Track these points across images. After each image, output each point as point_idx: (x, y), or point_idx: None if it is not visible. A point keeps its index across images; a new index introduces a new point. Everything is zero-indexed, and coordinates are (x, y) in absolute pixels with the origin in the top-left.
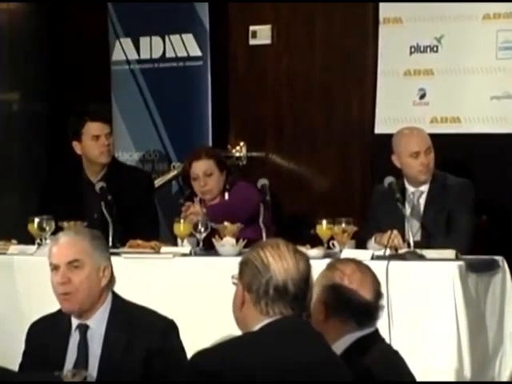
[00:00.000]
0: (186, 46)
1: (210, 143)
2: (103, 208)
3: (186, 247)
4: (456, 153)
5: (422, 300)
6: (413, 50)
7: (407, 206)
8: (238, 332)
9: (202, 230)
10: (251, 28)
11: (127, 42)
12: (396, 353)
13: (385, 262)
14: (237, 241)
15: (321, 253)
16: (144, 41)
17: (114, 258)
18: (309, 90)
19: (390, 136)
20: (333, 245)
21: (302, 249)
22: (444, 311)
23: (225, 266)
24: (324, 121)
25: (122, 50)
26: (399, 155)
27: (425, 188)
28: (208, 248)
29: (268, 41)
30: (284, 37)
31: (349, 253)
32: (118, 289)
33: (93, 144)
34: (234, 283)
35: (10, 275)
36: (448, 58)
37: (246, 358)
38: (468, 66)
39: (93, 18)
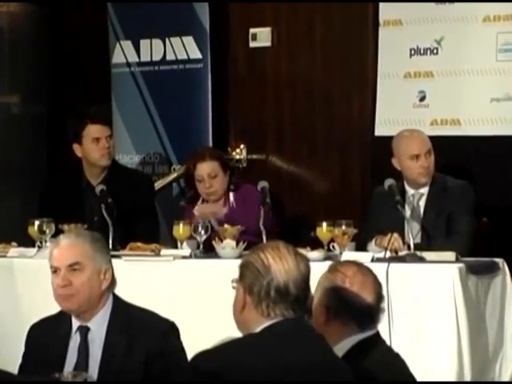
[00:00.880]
0: (186, 48)
1: (211, 145)
2: (103, 211)
3: (186, 250)
4: (456, 155)
5: (422, 302)
6: (413, 52)
7: (407, 208)
8: (238, 334)
9: (202, 232)
10: (251, 30)
11: (128, 45)
12: (397, 355)
13: (385, 265)
14: (237, 243)
15: (321, 255)
16: (144, 43)
17: (114, 261)
18: (309, 92)
19: (390, 138)
20: (333, 247)
21: (303, 251)
22: (444, 313)
23: (225, 269)
24: (324, 123)
25: (123, 52)
26: (399, 158)
27: (425, 190)
28: (208, 250)
29: (268, 43)
30: (284, 39)
31: (349, 255)
32: (119, 291)
33: (93, 146)
34: (233, 287)
35: (10, 278)
36: (448, 60)
37: (247, 359)
38: (468, 68)
39: (93, 20)
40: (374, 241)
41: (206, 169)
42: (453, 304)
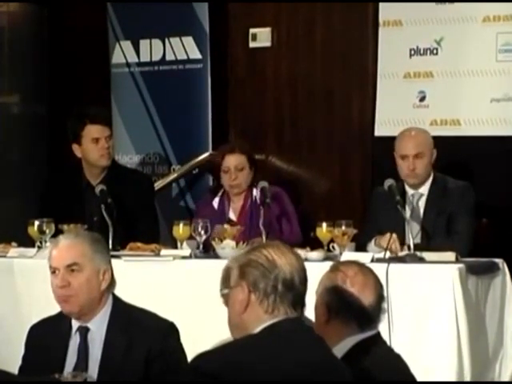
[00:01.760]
0: (185, 48)
1: (210, 146)
2: (103, 211)
3: (186, 250)
4: (456, 155)
5: (422, 302)
6: (413, 52)
7: (407, 208)
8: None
9: (202, 232)
10: (251, 30)
11: (127, 45)
12: (398, 356)
13: (385, 265)
14: (237, 243)
15: (321, 255)
16: (144, 43)
17: (114, 261)
18: (309, 92)
19: (390, 138)
20: (333, 247)
21: (302, 251)
22: (444, 314)
23: None
24: (324, 123)
25: (122, 52)
26: (395, 154)
27: (424, 190)
28: (208, 250)
29: (268, 43)
30: (284, 39)
31: (349, 255)
32: (118, 291)
33: (93, 147)
34: (222, 295)
35: (10, 278)
36: (448, 60)
37: (247, 360)
38: (468, 68)
39: (93, 20)
40: (373, 241)
41: (233, 161)
42: (453, 304)
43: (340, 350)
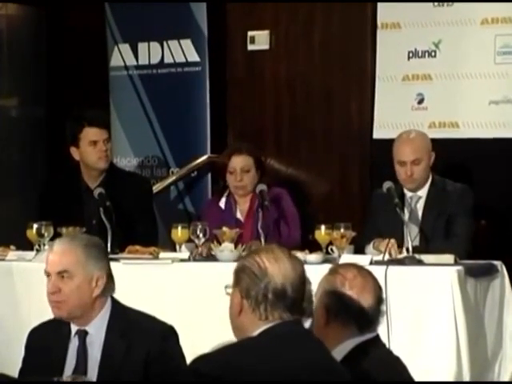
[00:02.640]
0: (184, 51)
1: (209, 148)
2: (102, 214)
3: (184, 253)
4: (454, 158)
5: (420, 305)
6: (411, 55)
7: (406, 210)
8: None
9: (201, 235)
10: (249, 33)
11: (125, 48)
12: (397, 359)
13: (383, 267)
14: (235, 246)
15: (319, 258)
16: (142, 46)
17: (112, 264)
18: (307, 94)
19: (388, 141)
20: (331, 250)
21: (301, 254)
22: (443, 316)
23: (223, 272)
24: (323, 126)
25: (121, 55)
26: (393, 159)
27: (423, 193)
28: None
29: (266, 46)
30: (282, 42)
31: (347, 258)
32: (117, 294)
33: (90, 149)
34: (227, 293)
35: (9, 281)
36: (446, 62)
37: (246, 362)
38: (466, 70)
39: (91, 23)
40: (371, 244)
41: (239, 162)
42: (451, 306)
43: (339, 352)
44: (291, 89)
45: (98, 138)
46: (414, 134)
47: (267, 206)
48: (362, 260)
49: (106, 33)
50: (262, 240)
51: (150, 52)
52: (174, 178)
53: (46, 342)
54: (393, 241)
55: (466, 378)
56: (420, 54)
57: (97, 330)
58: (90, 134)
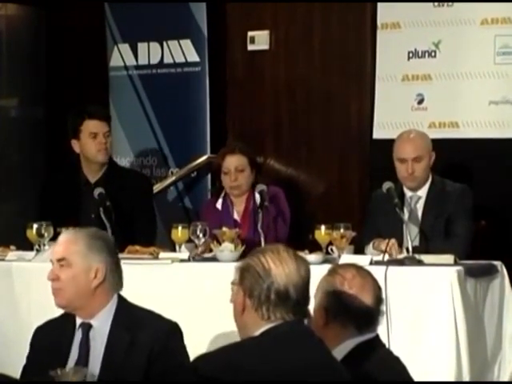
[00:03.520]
0: (183, 51)
1: (208, 148)
2: (102, 214)
3: (184, 253)
4: (454, 158)
5: (420, 305)
6: (411, 55)
7: (406, 211)
8: (237, 337)
9: (201, 235)
10: (249, 33)
11: (125, 48)
12: (397, 359)
13: (383, 267)
14: (235, 246)
15: (319, 258)
16: (142, 46)
17: None
18: (307, 94)
19: (388, 141)
20: (331, 250)
21: (301, 254)
22: (443, 316)
23: (223, 272)
24: (322, 126)
25: (120, 55)
26: (394, 157)
27: (422, 193)
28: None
29: (266, 46)
30: (282, 42)
31: (347, 258)
32: None
33: (90, 142)
34: (232, 289)
35: (9, 281)
36: (446, 63)
37: (247, 362)
38: (466, 71)
39: (91, 23)
40: (371, 244)
41: (233, 162)
42: (451, 307)
43: (339, 352)
44: (291, 89)
45: (98, 131)
46: (415, 133)
47: (267, 206)
48: (362, 260)
49: (106, 33)
50: (262, 240)
51: (150, 52)
52: (173, 178)
53: (52, 338)
54: (393, 241)
55: (466, 379)
56: (420, 54)
57: (101, 323)
58: (91, 125)
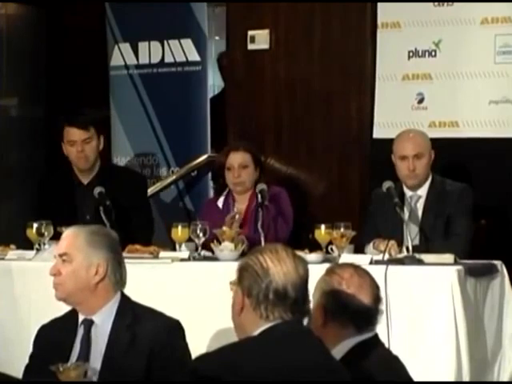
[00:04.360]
0: (184, 51)
1: (209, 148)
2: (102, 213)
3: (184, 252)
4: (454, 157)
5: (420, 304)
6: (411, 54)
7: (406, 210)
8: (236, 337)
9: (201, 234)
10: (249, 33)
11: (126, 47)
12: (396, 358)
13: (383, 267)
14: (235, 246)
15: (319, 257)
16: (142, 46)
17: None
18: (307, 94)
19: (388, 140)
20: (331, 249)
21: (301, 253)
22: (443, 315)
23: (223, 271)
24: (322, 125)
25: (121, 54)
26: (394, 156)
27: (422, 192)
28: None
29: (266, 45)
30: (282, 42)
31: (347, 257)
32: None
33: (70, 149)
34: (231, 289)
35: (9, 280)
36: (446, 62)
37: (246, 362)
38: (466, 70)
39: (91, 23)
40: (371, 244)
41: (237, 158)
42: (451, 306)
43: (338, 352)
44: (291, 88)
45: (76, 139)
46: (415, 131)
47: (267, 205)
48: (362, 259)
49: (107, 32)
50: (262, 239)
51: (151, 51)
52: (174, 177)
53: (55, 336)
54: (393, 241)
55: (466, 378)
56: (420, 54)
57: (103, 320)
58: (69, 133)
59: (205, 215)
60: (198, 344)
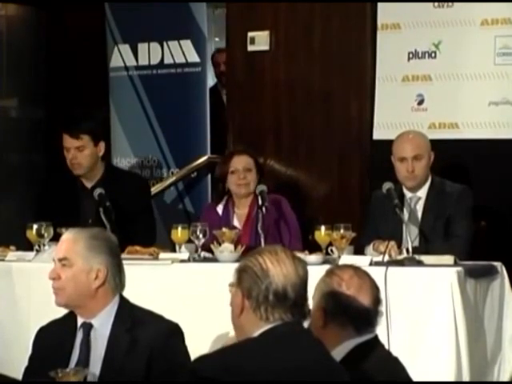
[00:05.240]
0: (184, 52)
1: (209, 149)
2: (102, 214)
3: (184, 253)
4: (454, 158)
5: (420, 306)
6: (411, 55)
7: (405, 211)
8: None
9: (201, 236)
10: (249, 34)
11: (125, 49)
12: (396, 359)
13: (383, 268)
14: (235, 247)
15: (319, 259)
16: (142, 47)
17: None
18: (307, 95)
19: (388, 142)
20: (331, 251)
21: (301, 255)
22: (443, 317)
23: (223, 272)
24: (322, 126)
25: (121, 56)
26: (393, 157)
27: (422, 194)
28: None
29: (266, 47)
30: (282, 43)
31: (347, 259)
32: None
33: (66, 154)
34: (231, 291)
35: (9, 281)
36: (446, 63)
37: (246, 363)
38: (466, 71)
39: (91, 24)
40: (371, 245)
41: (242, 161)
42: (451, 307)
43: (338, 353)
44: (291, 89)
45: (69, 146)
46: (414, 133)
47: (267, 206)
48: (362, 261)
49: (106, 33)
50: (262, 241)
51: (150, 53)
52: (173, 178)
53: (54, 338)
54: (392, 243)
55: (466, 379)
56: (420, 55)
57: (102, 324)
58: (64, 139)
59: (204, 219)
60: (198, 345)
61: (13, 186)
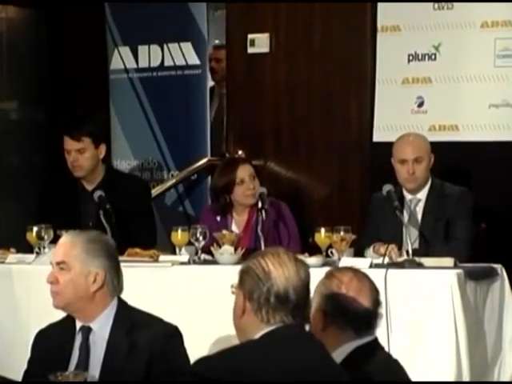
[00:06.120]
0: (184, 54)
1: (209, 151)
2: (102, 217)
3: (184, 256)
4: (454, 161)
5: (420, 308)
6: (411, 58)
7: (405, 213)
8: (237, 340)
9: (201, 238)
10: (249, 36)
11: (125, 51)
12: (396, 361)
13: (383, 270)
14: (235, 249)
15: (319, 261)
16: (142, 49)
17: None
18: (307, 98)
19: (388, 144)
20: (331, 253)
21: (301, 257)
22: (443, 319)
23: (223, 275)
24: (322, 129)
25: (121, 58)
26: (393, 159)
27: (422, 196)
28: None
29: (266, 49)
30: (282, 45)
31: (347, 261)
32: None
33: (67, 156)
34: (233, 292)
35: (9, 284)
36: (446, 66)
37: (246, 365)
38: (466, 74)
39: (91, 26)
40: (371, 248)
41: (247, 170)
42: (451, 310)
43: (338, 356)
44: (291, 92)
45: (69, 148)
46: (415, 135)
47: (267, 209)
48: (362, 263)
49: (106, 36)
50: (262, 244)
51: (150, 55)
52: (173, 180)
53: (53, 342)
54: (392, 245)
55: (466, 381)
56: (420, 57)
57: (101, 327)
58: (65, 141)
59: (202, 223)
60: (198, 347)
61: (13, 188)
